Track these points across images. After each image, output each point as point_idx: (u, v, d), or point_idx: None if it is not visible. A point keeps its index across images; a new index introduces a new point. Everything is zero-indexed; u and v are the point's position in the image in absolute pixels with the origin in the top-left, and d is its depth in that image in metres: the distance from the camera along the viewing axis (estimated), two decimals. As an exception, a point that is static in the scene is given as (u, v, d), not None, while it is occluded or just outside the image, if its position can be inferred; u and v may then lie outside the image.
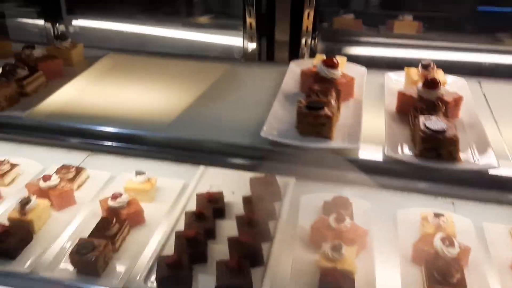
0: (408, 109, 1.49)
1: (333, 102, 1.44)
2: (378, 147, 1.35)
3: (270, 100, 1.62)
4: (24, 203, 1.84)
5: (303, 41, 2.15)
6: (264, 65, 2.08)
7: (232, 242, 1.74)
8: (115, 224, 1.78)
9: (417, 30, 2.66)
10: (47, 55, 1.79)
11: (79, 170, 2.14)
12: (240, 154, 1.41)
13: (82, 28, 2.60)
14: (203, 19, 2.59)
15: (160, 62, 2.02)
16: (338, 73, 1.61)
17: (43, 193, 1.96)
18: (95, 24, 2.62)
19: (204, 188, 2.12)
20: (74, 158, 2.35)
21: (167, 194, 2.08)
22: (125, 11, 2.59)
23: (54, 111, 1.57)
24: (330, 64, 1.61)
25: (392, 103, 1.57)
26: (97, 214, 1.95)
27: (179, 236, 1.76)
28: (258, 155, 1.39)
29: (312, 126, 1.39)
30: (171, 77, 1.86)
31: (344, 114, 1.53)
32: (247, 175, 2.21)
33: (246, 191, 2.13)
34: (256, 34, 2.20)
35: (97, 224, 1.81)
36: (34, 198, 1.87)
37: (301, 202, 2.01)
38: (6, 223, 1.84)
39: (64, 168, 2.13)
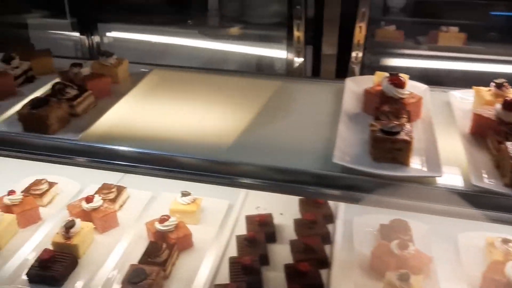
0: (485, 132, 1.40)
1: (408, 125, 1.35)
2: (457, 174, 1.27)
3: (330, 120, 1.55)
4: (68, 226, 1.76)
5: (354, 54, 2.07)
6: (314, 81, 1.98)
7: (289, 269, 1.65)
8: (165, 249, 1.69)
9: (464, 41, 2.58)
10: (94, 73, 1.71)
11: (120, 190, 2.07)
12: (309, 181, 1.33)
13: (116, 41, 2.54)
14: (239, 31, 2.52)
15: (205, 78, 1.94)
16: (406, 92, 1.52)
17: (86, 215, 1.88)
18: (128, 36, 2.57)
19: (250, 209, 2.04)
20: (110, 175, 2.28)
21: (213, 216, 1.99)
22: (157, 23, 2.54)
23: (107, 133, 1.49)
24: (397, 82, 1.52)
25: (463, 124, 1.48)
26: (143, 237, 1.87)
27: (234, 262, 1.67)
28: (329, 183, 1.31)
29: (388, 152, 1.30)
30: (220, 95, 1.77)
31: (415, 137, 1.45)
32: (294, 196, 2.13)
33: (294, 212, 2.06)
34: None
35: (146, 249, 1.73)
36: (78, 221, 1.79)
37: (354, 224, 1.92)
38: (50, 247, 1.77)
39: (105, 188, 2.05)
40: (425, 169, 1.28)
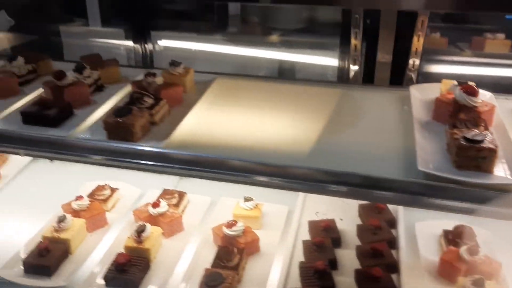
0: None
1: (489, 133, 1.38)
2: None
3: (400, 128, 1.59)
4: (140, 231, 1.81)
5: (411, 62, 2.10)
6: (372, 88, 2.01)
7: (361, 274, 1.68)
8: (236, 254, 1.73)
9: (509, 48, 2.59)
10: (167, 82, 1.76)
11: (181, 195, 2.11)
12: (391, 188, 1.36)
13: (167, 49, 2.60)
14: (288, 39, 2.55)
15: (267, 86, 1.98)
16: (479, 100, 1.54)
17: (152, 220, 1.92)
18: (179, 45, 2.62)
19: (309, 215, 2.07)
20: (167, 181, 2.33)
21: (274, 221, 2.02)
22: (206, 32, 2.58)
23: (187, 140, 1.54)
24: (470, 91, 1.55)
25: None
26: (208, 241, 1.92)
27: (305, 267, 1.70)
28: (412, 190, 1.34)
29: (473, 160, 1.32)
30: (284, 102, 1.81)
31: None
32: (351, 201, 2.16)
33: (352, 217, 2.09)
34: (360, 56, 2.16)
35: (217, 253, 1.77)
36: (148, 226, 1.84)
37: (417, 230, 1.94)
38: (121, 251, 1.81)
39: (167, 193, 2.10)
40: (509, 176, 1.31)
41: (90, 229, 1.97)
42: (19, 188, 2.33)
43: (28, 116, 1.60)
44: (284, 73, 2.47)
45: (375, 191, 1.35)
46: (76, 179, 2.37)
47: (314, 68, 2.41)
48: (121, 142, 1.49)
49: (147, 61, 2.55)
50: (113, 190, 2.17)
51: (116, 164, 1.55)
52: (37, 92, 1.85)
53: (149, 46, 2.53)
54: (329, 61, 2.33)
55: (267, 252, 1.87)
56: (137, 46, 2.52)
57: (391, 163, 1.41)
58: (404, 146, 1.51)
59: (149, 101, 1.63)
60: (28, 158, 2.50)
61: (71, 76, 1.76)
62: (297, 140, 1.55)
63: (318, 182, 1.37)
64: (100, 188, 2.14)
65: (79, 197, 2.02)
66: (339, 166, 1.39)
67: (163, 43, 2.57)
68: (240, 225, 1.84)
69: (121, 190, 2.21)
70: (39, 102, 1.64)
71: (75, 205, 1.98)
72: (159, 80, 1.74)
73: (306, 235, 1.96)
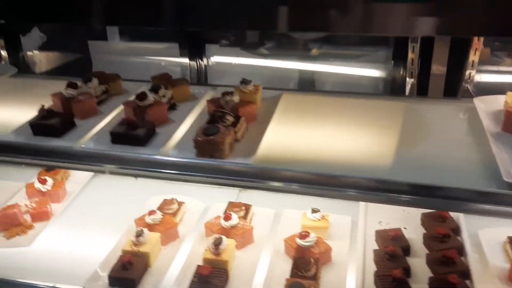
0: None
1: None
2: None
3: (470, 139, 1.67)
4: (217, 243, 1.88)
5: (467, 74, 2.17)
6: (432, 101, 2.07)
7: (436, 282, 1.74)
8: (313, 264, 1.80)
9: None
10: (242, 100, 1.84)
11: (247, 207, 2.18)
12: (479, 199, 1.43)
13: (220, 65, 2.68)
14: (338, 52, 2.62)
15: (330, 100, 2.06)
16: (549, 112, 1.61)
17: (224, 233, 2.00)
18: (233, 61, 2.70)
19: (372, 224, 2.13)
20: (228, 194, 2.41)
21: (339, 231, 2.09)
22: (256, 47, 2.66)
23: (271, 156, 1.62)
24: (541, 103, 1.62)
25: None
26: (280, 252, 1.98)
27: (381, 276, 1.76)
28: (499, 200, 1.41)
29: (556, 170, 1.39)
30: (352, 116, 1.88)
31: None
32: (412, 210, 2.22)
33: (415, 226, 2.15)
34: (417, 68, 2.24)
35: (294, 264, 1.83)
36: (224, 238, 1.91)
37: (481, 237, 1.99)
38: (198, 264, 1.89)
39: (233, 206, 2.17)
40: None
41: (164, 242, 2.04)
42: (85, 203, 2.41)
43: (117, 136, 1.68)
44: (337, 87, 2.54)
45: (468, 203, 1.42)
46: (137, 193, 2.46)
47: (366, 81, 2.48)
48: (211, 159, 1.57)
49: (201, 77, 2.64)
50: (180, 204, 2.24)
51: (203, 180, 1.63)
52: (115, 112, 1.94)
53: (203, 62, 2.62)
54: (383, 74, 2.41)
55: (339, 261, 1.93)
56: (192, 62, 2.61)
57: (472, 174, 1.48)
58: (479, 157, 1.58)
59: (230, 119, 1.71)
60: (90, 174, 2.59)
61: (150, 96, 1.85)
62: (372, 152, 1.62)
63: (407, 195, 1.44)
64: (167, 202, 2.22)
65: (152, 212, 2.10)
66: (422, 178, 1.46)
67: (216, 59, 2.65)
68: (313, 236, 1.91)
69: (187, 204, 2.29)
70: (125, 122, 1.73)
71: (148, 220, 2.06)
72: (236, 98, 1.82)
73: (372, 244, 2.03)
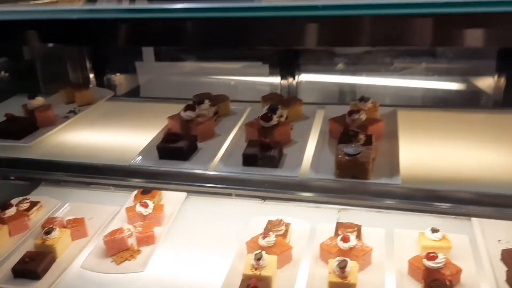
0: None
1: None
2: None
3: None
4: (342, 266, 1.83)
5: None
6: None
7: None
8: (449, 287, 1.73)
9: None
10: (369, 118, 1.80)
11: (358, 228, 2.12)
12: None
13: (309, 83, 2.66)
14: (441, 66, 2.55)
15: (445, 115, 2.02)
16: None
17: (344, 254, 1.94)
18: (320, 78, 2.67)
19: (491, 243, 2.05)
20: (325, 213, 2.37)
21: (460, 251, 2.01)
22: (351, 63, 2.62)
23: (417, 175, 1.57)
24: None
25: None
26: (403, 273, 1.92)
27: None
28: None
29: None
30: (477, 130, 1.84)
31: None
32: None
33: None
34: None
35: (428, 287, 1.77)
36: (349, 261, 1.85)
37: None
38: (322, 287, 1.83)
39: (344, 226, 2.12)
40: None
41: (279, 265, 1.99)
42: (185, 225, 2.38)
43: (250, 158, 1.65)
44: (439, 101, 2.49)
45: None
46: (233, 214, 2.44)
47: (467, 94, 2.42)
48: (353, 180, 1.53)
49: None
50: (287, 225, 2.20)
51: (343, 202, 1.60)
52: (233, 133, 1.92)
53: (295, 80, 2.60)
54: (486, 86, 2.35)
55: (468, 283, 1.86)
56: (284, 81, 2.59)
57: None
58: None
59: (362, 137, 1.67)
60: (183, 194, 2.56)
61: (274, 117, 1.83)
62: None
63: None
64: (274, 223, 2.18)
65: (266, 234, 2.05)
66: None
67: (304, 77, 2.63)
68: (441, 257, 1.84)
69: (293, 224, 2.25)
70: (255, 144, 1.70)
71: (263, 242, 2.02)
72: (363, 116, 1.78)
73: (498, 265, 1.95)
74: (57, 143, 2.00)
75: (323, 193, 1.58)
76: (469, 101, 2.39)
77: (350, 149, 1.56)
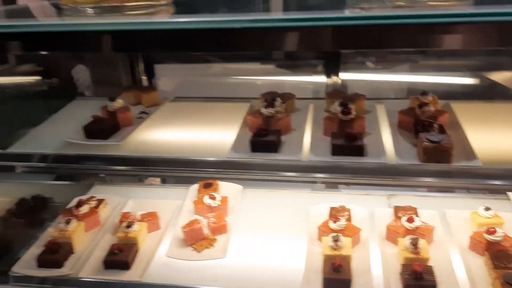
0: None
1: None
2: None
3: None
4: (414, 243, 2.03)
5: None
6: None
7: None
8: (510, 254, 1.96)
9: None
10: (436, 110, 2.02)
11: (414, 210, 2.33)
12: None
13: (353, 82, 2.87)
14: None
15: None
16: None
17: (411, 233, 2.14)
18: (363, 77, 2.89)
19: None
20: (371, 200, 2.58)
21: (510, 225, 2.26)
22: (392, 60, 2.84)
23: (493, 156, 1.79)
24: None
25: None
26: (465, 249, 2.14)
27: None
28: None
29: None
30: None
31: None
32: None
33: None
34: None
35: (493, 258, 1.98)
36: (420, 239, 2.06)
37: None
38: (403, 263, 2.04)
39: (402, 210, 2.33)
40: None
41: (352, 246, 2.18)
42: (250, 215, 2.52)
43: (339, 148, 1.85)
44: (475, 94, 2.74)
45: None
46: (291, 203, 2.62)
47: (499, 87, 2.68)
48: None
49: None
50: (347, 210, 2.39)
51: (427, 184, 1.80)
52: (308, 126, 2.11)
53: (339, 78, 2.80)
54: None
55: (523, 253, 2.10)
56: (329, 79, 2.79)
57: None
58: None
59: (436, 127, 1.88)
60: (239, 187, 2.72)
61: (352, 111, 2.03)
62: None
63: None
64: (338, 210, 2.36)
65: (336, 219, 2.24)
66: None
67: (348, 75, 2.84)
68: (500, 231, 2.07)
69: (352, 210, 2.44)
70: (339, 136, 1.89)
71: (334, 226, 2.20)
72: (432, 107, 2.00)
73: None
74: (142, 140, 2.14)
75: (410, 176, 1.79)
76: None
77: (433, 137, 1.77)
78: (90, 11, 1.74)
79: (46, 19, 1.94)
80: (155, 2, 1.79)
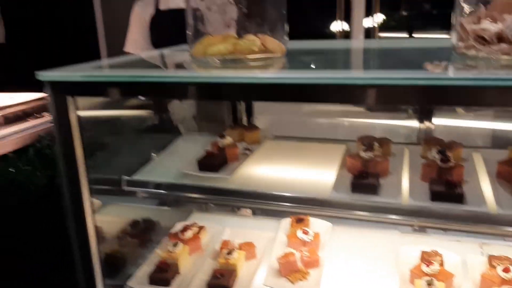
0: None
1: None
2: None
3: None
4: (512, 294, 2.04)
5: None
6: None
7: None
8: None
9: None
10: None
11: (509, 260, 2.33)
12: None
13: (446, 128, 2.94)
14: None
15: None
16: None
17: (506, 283, 2.15)
18: (456, 123, 2.95)
19: None
20: (463, 247, 2.58)
21: None
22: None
23: None
24: None
25: None
26: None
27: None
28: None
29: None
30: None
31: None
32: None
33: None
34: None
35: None
36: (517, 289, 2.07)
37: None
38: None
39: (497, 259, 2.33)
40: None
41: (444, 292, 2.23)
42: (339, 252, 2.65)
43: (438, 194, 1.93)
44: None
45: None
46: (377, 243, 2.69)
47: None
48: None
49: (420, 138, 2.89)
50: (439, 255, 2.43)
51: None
52: (405, 170, 2.22)
53: (432, 124, 2.88)
54: None
55: None
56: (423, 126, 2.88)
57: None
58: None
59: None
60: (329, 224, 2.85)
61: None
62: None
63: None
64: (430, 254, 2.41)
65: (429, 262, 2.29)
66: None
67: (441, 121, 2.91)
68: None
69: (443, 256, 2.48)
70: (438, 182, 1.98)
71: (428, 270, 2.25)
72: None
73: None
74: (248, 174, 2.36)
75: (509, 226, 1.83)
76: None
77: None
78: (217, 62, 2.00)
79: (178, 71, 2.21)
80: (272, 55, 2.02)
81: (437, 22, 6.30)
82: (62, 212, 2.14)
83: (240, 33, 2.13)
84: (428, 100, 1.56)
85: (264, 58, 2.01)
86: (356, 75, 1.70)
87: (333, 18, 6.03)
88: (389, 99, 1.65)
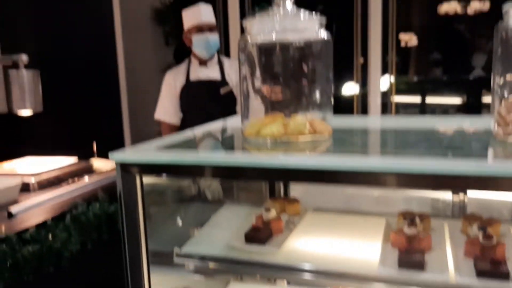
0: None
1: None
2: None
3: None
4: None
5: None
6: None
7: None
8: None
9: None
10: None
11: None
12: None
13: (480, 201, 3.03)
14: None
15: None
16: None
17: None
18: (492, 196, 3.03)
19: None
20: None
21: None
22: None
23: None
24: None
25: None
26: None
27: None
28: None
29: None
30: None
31: None
32: None
33: None
34: None
35: None
36: None
37: None
38: None
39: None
40: None
41: None
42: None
43: (484, 272, 2.00)
44: None
45: None
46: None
47: None
48: None
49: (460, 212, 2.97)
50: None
51: None
52: (447, 248, 2.30)
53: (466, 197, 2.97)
54: None
55: None
56: (454, 198, 2.97)
57: None
58: None
59: None
60: None
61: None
62: None
63: None
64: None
65: None
66: None
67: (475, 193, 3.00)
68: None
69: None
70: (485, 259, 2.06)
71: None
72: None
73: None
74: (293, 248, 2.45)
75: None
76: None
77: None
78: (268, 144, 2.16)
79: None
80: (321, 138, 2.19)
81: (450, 87, 6.68)
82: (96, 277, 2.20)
83: (286, 113, 2.32)
84: (477, 188, 1.69)
85: (313, 141, 2.17)
86: (411, 164, 1.79)
87: (349, 79, 6.41)
88: (435, 187, 1.79)
